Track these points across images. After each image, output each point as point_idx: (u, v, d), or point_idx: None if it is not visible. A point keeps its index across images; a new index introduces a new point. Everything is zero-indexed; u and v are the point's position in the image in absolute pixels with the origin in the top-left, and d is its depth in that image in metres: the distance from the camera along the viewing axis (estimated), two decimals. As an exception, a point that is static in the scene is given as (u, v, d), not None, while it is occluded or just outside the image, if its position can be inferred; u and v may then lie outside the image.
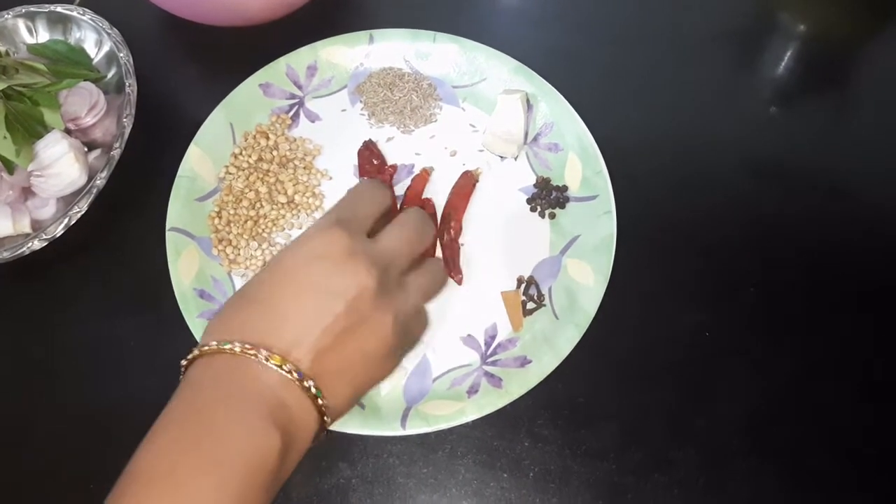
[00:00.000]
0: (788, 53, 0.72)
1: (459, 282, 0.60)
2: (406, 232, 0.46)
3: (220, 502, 0.35)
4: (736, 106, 0.69)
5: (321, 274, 0.41)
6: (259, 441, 0.37)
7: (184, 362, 0.40)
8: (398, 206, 0.63)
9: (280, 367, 0.38)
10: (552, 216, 0.63)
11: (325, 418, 0.40)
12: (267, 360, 0.38)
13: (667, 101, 0.69)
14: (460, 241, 0.62)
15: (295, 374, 0.38)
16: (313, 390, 0.39)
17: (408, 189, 0.64)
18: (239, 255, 0.61)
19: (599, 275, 0.59)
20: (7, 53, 0.68)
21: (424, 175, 0.64)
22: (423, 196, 0.64)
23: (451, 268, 0.60)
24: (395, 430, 0.54)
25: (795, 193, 0.65)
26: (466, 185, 0.64)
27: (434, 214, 0.63)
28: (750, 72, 0.72)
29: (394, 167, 0.64)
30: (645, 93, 0.69)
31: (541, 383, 0.55)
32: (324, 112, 0.67)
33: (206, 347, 0.39)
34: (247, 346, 0.38)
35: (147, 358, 0.59)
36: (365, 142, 0.66)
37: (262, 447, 0.37)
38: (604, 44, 0.72)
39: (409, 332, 0.45)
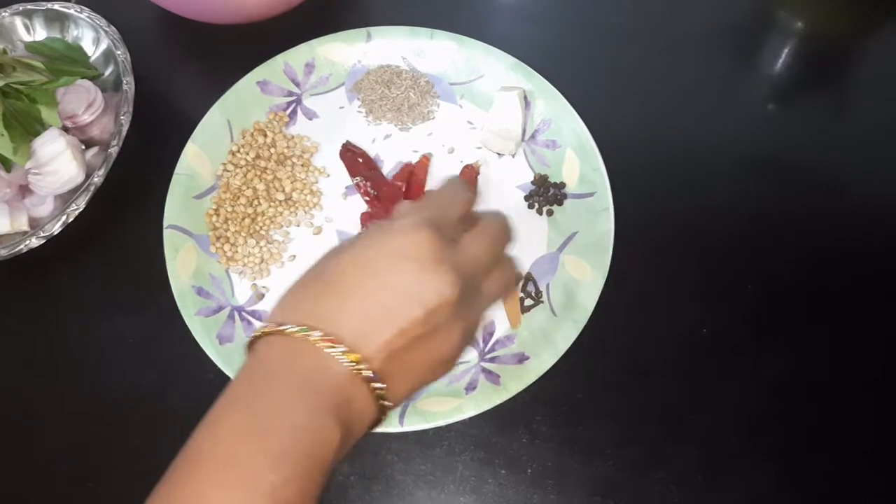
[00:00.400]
0: (786, 50, 0.72)
1: None
2: (490, 240, 0.44)
3: (281, 495, 0.34)
4: (734, 103, 0.69)
5: (407, 275, 0.38)
6: (323, 436, 0.36)
7: (256, 333, 0.39)
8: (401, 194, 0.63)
9: (356, 363, 0.37)
10: (550, 213, 0.63)
11: (382, 416, 0.40)
12: (344, 354, 0.37)
13: (665, 98, 0.69)
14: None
15: (368, 373, 0.37)
16: (380, 390, 0.38)
17: (410, 177, 0.63)
18: (237, 252, 0.61)
19: (597, 271, 0.59)
20: (4, 51, 0.68)
21: (425, 162, 0.64)
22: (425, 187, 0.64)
23: None
24: (393, 427, 0.54)
25: (794, 191, 0.65)
26: (469, 178, 0.64)
27: None
28: (748, 69, 0.72)
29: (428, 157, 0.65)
30: (643, 90, 0.69)
31: (539, 380, 0.55)
32: (321, 109, 0.67)
33: (284, 329, 0.37)
34: (326, 336, 0.37)
35: (146, 355, 0.59)
36: (343, 144, 0.65)
37: (325, 441, 0.36)
38: (602, 41, 0.72)
39: (474, 335, 0.44)
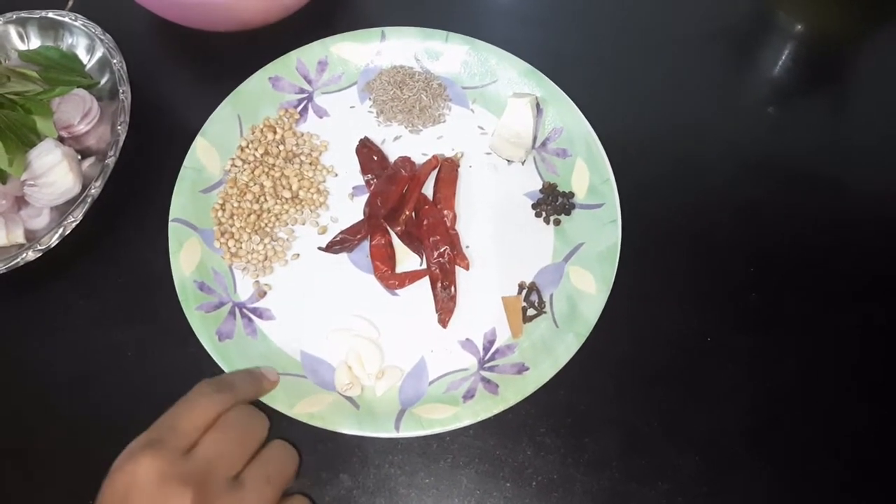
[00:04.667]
0: (787, 54, 0.72)
1: (467, 267, 0.60)
2: (229, 433, 0.45)
3: None
4: (744, 110, 0.69)
5: None
6: None
7: None
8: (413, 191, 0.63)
9: None
10: (557, 222, 0.62)
11: None
12: None
13: (676, 108, 0.68)
14: (464, 244, 0.61)
15: None
16: None
17: (412, 180, 0.63)
18: (241, 248, 0.61)
19: (602, 284, 0.58)
20: None
21: (434, 162, 0.64)
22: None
23: (457, 255, 0.60)
24: (388, 432, 0.54)
25: (803, 201, 0.64)
26: (450, 172, 0.64)
27: (437, 212, 0.62)
28: (759, 77, 0.71)
29: (436, 159, 0.64)
30: (655, 100, 0.68)
31: (542, 391, 0.55)
32: (332, 108, 0.67)
33: None
34: None
35: (145, 367, 0.59)
36: (361, 140, 0.65)
37: None
38: (615, 49, 0.71)
39: None
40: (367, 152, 0.64)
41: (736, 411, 0.56)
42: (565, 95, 0.65)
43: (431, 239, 0.60)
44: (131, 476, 0.41)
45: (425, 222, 0.61)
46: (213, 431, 0.44)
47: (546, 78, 0.65)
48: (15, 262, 0.58)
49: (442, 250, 0.60)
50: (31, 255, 0.58)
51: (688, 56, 0.71)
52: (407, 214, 0.61)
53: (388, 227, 0.62)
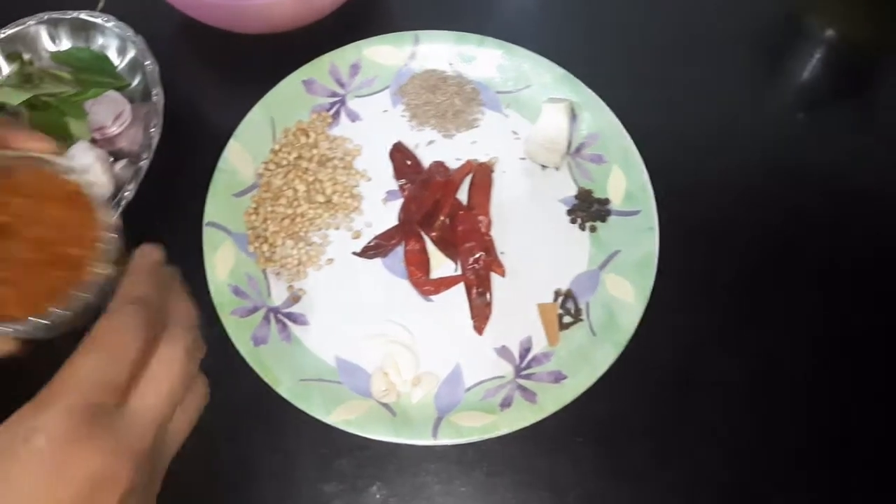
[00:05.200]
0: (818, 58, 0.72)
1: (502, 273, 0.60)
2: (171, 380, 0.35)
3: None
4: (777, 118, 0.68)
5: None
6: None
7: None
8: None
9: None
10: (593, 229, 0.62)
11: None
12: None
13: (711, 115, 0.68)
14: (498, 250, 0.61)
15: None
16: None
17: (446, 186, 0.62)
18: (275, 252, 0.60)
19: (639, 292, 0.58)
20: (31, 62, 0.67)
21: (468, 167, 0.63)
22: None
23: (492, 261, 0.60)
24: (426, 440, 0.53)
25: (849, 209, 0.64)
26: (485, 177, 0.63)
27: (472, 218, 0.61)
28: (791, 82, 0.71)
29: (470, 164, 0.64)
30: (690, 106, 0.68)
31: (579, 400, 0.54)
32: (365, 112, 0.67)
33: None
34: None
35: None
36: (395, 144, 0.65)
37: None
38: (650, 55, 0.70)
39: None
40: (401, 157, 0.64)
41: (779, 425, 0.56)
42: (601, 101, 0.64)
43: (466, 245, 0.60)
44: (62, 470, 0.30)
45: (460, 228, 0.61)
46: (151, 381, 0.34)
47: (581, 83, 0.65)
48: (48, 264, 0.58)
49: (477, 256, 0.59)
50: (65, 258, 0.58)
51: (721, 61, 0.71)
52: (442, 220, 0.61)
53: (423, 233, 0.61)
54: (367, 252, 0.61)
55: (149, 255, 0.39)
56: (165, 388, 0.34)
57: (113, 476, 0.31)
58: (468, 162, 0.64)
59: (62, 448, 0.30)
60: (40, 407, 0.31)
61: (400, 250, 0.61)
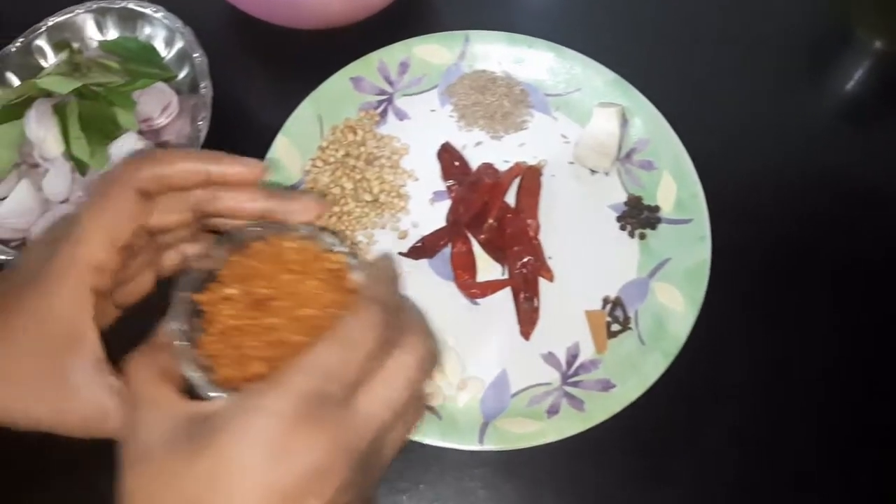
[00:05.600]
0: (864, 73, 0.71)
1: (550, 278, 0.59)
2: (402, 386, 0.34)
3: None
4: (836, 132, 0.67)
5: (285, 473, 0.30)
6: None
7: None
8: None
9: None
10: (642, 236, 0.61)
11: None
12: None
13: (770, 126, 0.67)
14: (546, 255, 0.60)
15: None
16: None
17: (493, 189, 0.62)
18: (320, 250, 0.60)
19: (690, 302, 0.57)
20: (80, 51, 0.66)
21: (517, 169, 0.63)
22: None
23: (540, 266, 0.59)
24: (472, 445, 0.53)
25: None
26: (534, 181, 0.62)
27: (520, 220, 0.61)
28: (848, 95, 0.70)
29: (518, 167, 0.63)
30: (746, 114, 0.67)
31: (626, 410, 0.53)
32: (413, 111, 0.66)
33: None
34: None
35: None
36: (443, 144, 0.64)
37: None
38: (701, 61, 0.70)
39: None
40: (449, 157, 0.63)
41: (839, 443, 0.55)
42: (653, 107, 0.64)
43: (515, 248, 0.59)
44: (279, 439, 0.30)
45: (508, 231, 0.60)
46: (385, 381, 0.33)
47: (633, 88, 0.64)
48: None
49: (525, 260, 0.59)
50: (110, 251, 0.57)
51: (774, 70, 0.70)
52: (490, 223, 0.60)
53: (470, 235, 0.61)
54: (414, 253, 0.60)
55: (391, 262, 0.39)
56: (394, 394, 0.33)
57: (331, 468, 0.30)
58: (517, 164, 0.63)
59: (288, 428, 0.30)
60: (272, 385, 0.31)
61: (446, 252, 0.60)
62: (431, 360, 0.35)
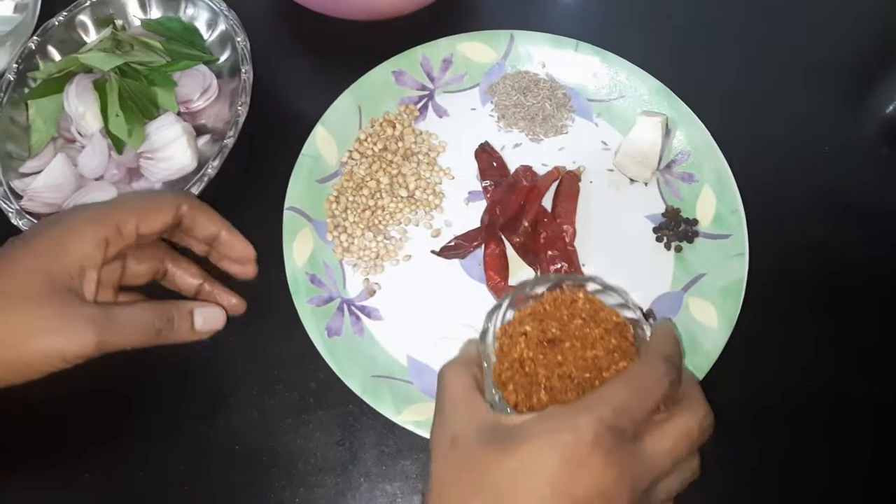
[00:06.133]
0: None
1: None
2: (687, 442, 0.37)
3: None
4: (890, 160, 0.66)
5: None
6: None
7: None
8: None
9: None
10: (678, 249, 0.60)
11: None
12: None
13: (816, 146, 0.65)
14: (580, 261, 0.59)
15: None
16: None
17: (530, 192, 0.61)
18: (353, 244, 0.59)
19: (724, 319, 0.56)
20: (123, 27, 0.66)
21: (555, 174, 0.62)
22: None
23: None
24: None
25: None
26: (572, 186, 0.62)
27: (554, 224, 0.60)
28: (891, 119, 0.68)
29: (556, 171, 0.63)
30: (792, 134, 0.66)
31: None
32: (453, 108, 0.65)
33: None
34: None
35: (246, 354, 0.57)
36: (481, 144, 0.64)
37: None
38: (749, 75, 0.68)
39: None
40: (487, 157, 0.63)
41: (861, 472, 0.54)
42: (697, 119, 0.63)
43: (549, 253, 0.58)
44: (579, 476, 0.33)
45: (543, 235, 0.59)
46: (671, 430, 0.36)
47: (678, 98, 0.63)
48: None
49: (559, 266, 0.58)
50: (144, 230, 0.57)
51: (823, 91, 0.68)
52: (525, 226, 0.60)
53: (504, 237, 0.60)
54: (447, 252, 0.59)
55: (674, 326, 0.42)
56: (677, 447, 0.36)
57: (616, 496, 0.33)
58: (555, 168, 0.62)
59: (587, 448, 0.33)
60: (578, 410, 0.34)
61: (479, 253, 0.60)
62: (710, 426, 0.38)
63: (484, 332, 0.46)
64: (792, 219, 0.62)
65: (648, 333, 0.43)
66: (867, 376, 0.57)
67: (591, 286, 0.47)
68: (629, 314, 0.45)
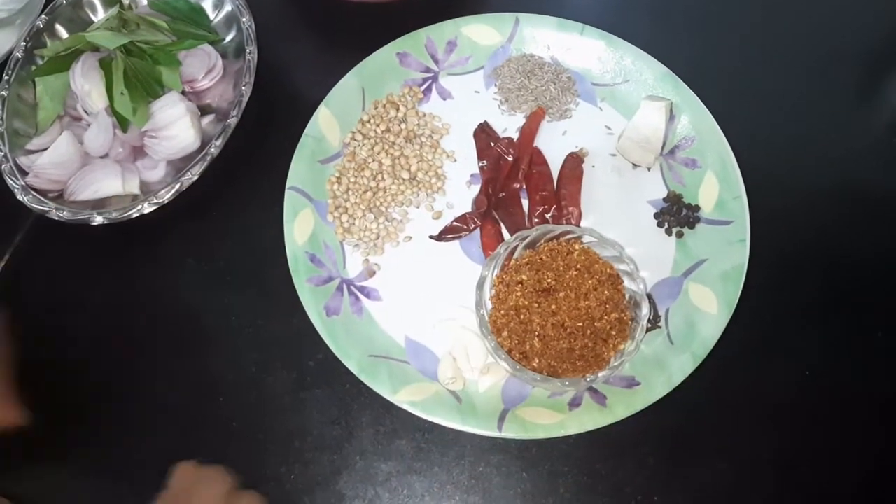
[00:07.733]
0: None
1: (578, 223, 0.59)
2: None
3: None
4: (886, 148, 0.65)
5: None
6: None
7: None
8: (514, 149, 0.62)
9: None
10: (679, 235, 0.60)
11: None
12: None
13: (822, 136, 0.65)
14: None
15: None
16: None
17: (522, 128, 0.62)
18: (353, 224, 0.60)
19: (724, 305, 0.56)
20: (130, 6, 0.66)
21: (540, 113, 0.62)
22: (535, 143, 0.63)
23: (562, 217, 0.59)
24: (491, 431, 0.52)
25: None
26: (575, 167, 0.62)
27: (546, 166, 0.61)
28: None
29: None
30: (799, 120, 0.65)
31: (649, 410, 0.53)
32: (457, 91, 0.65)
33: None
34: None
35: (246, 333, 0.58)
36: (480, 123, 0.64)
37: None
38: (757, 62, 0.68)
39: None
40: (485, 137, 0.63)
41: (857, 461, 0.54)
42: (702, 104, 0.62)
43: (537, 196, 0.60)
44: None
45: (535, 171, 0.61)
46: None
47: (683, 84, 0.63)
48: (129, 213, 0.58)
49: (543, 209, 0.59)
50: (147, 208, 0.58)
51: (828, 78, 0.68)
52: (524, 169, 0.61)
53: (498, 217, 0.60)
54: (445, 235, 0.60)
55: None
56: None
57: None
58: (539, 108, 0.62)
59: None
60: None
61: (478, 235, 0.60)
62: None
63: (482, 280, 0.47)
64: (795, 206, 0.62)
65: (641, 289, 0.47)
66: (868, 364, 0.57)
67: (587, 238, 0.49)
68: (623, 266, 0.48)
